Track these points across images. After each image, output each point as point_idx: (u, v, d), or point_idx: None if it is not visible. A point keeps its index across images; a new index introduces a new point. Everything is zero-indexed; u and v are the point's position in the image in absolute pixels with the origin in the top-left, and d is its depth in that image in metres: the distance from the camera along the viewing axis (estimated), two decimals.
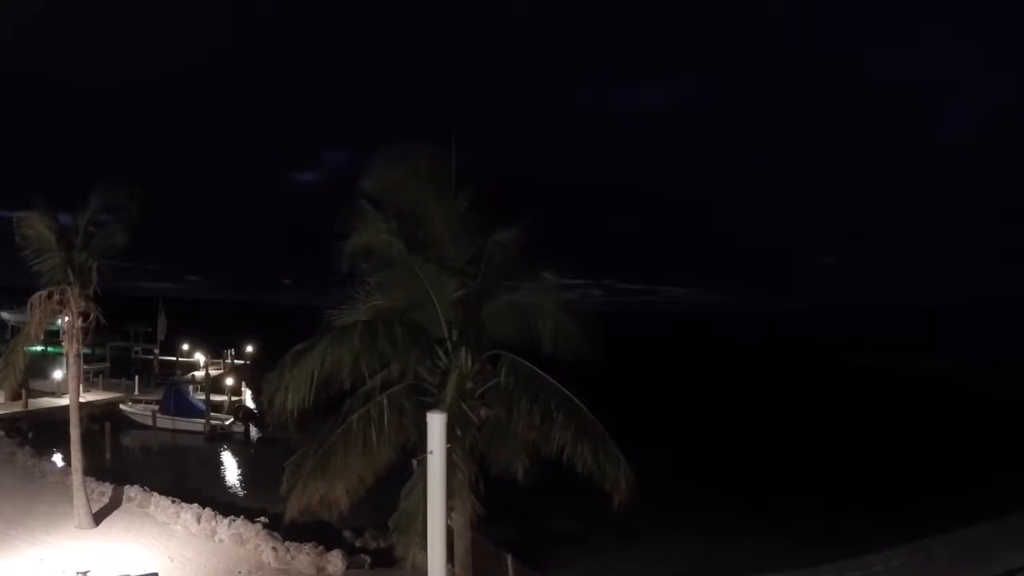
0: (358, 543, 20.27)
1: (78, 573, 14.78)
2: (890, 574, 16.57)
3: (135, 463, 34.90)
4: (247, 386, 51.03)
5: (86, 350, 20.32)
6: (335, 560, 17.26)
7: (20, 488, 22.94)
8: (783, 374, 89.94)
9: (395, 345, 9.35)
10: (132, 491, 21.59)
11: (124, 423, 42.08)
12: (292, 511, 9.49)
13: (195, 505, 20.22)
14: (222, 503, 22.58)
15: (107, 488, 22.03)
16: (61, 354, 30.75)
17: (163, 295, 68.61)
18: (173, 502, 20.52)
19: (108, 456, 34.07)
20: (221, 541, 18.45)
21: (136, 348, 67.63)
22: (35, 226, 18.05)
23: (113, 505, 21.05)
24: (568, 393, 9.95)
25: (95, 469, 24.42)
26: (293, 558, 17.30)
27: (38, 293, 17.92)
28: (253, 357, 66.23)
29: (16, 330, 43.73)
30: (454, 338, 10.08)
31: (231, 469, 36.53)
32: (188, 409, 42.10)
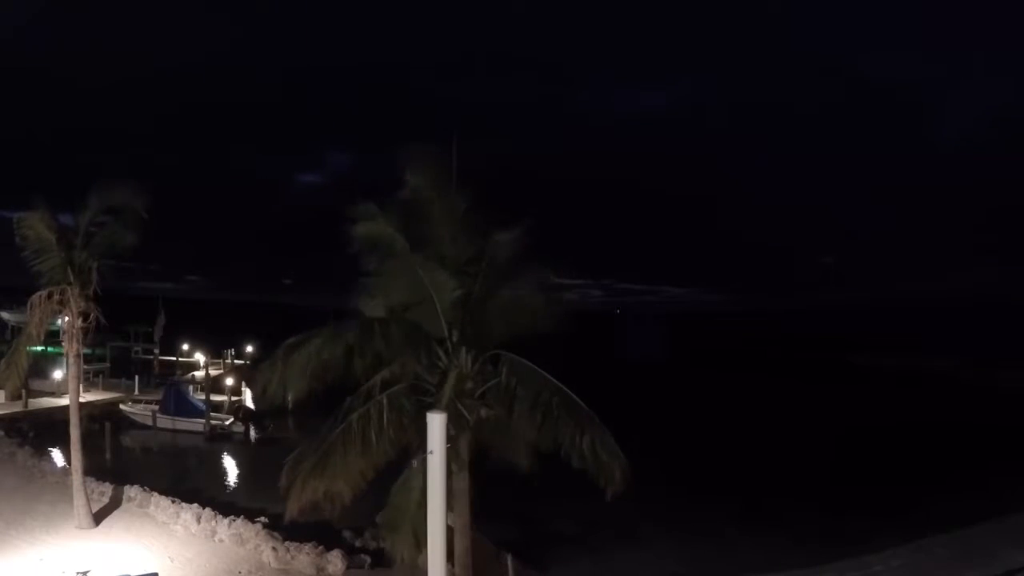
0: (358, 543, 20.25)
1: (78, 573, 14.78)
2: (890, 574, 16.58)
3: (135, 463, 34.87)
4: (247, 386, 51.00)
5: (86, 350, 20.32)
6: (335, 560, 17.26)
7: (20, 488, 22.94)
8: (783, 374, 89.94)
9: (392, 343, 9.37)
10: (132, 491, 21.59)
11: (124, 423, 42.03)
12: (292, 509, 9.50)
13: (195, 505, 20.22)
14: (222, 503, 22.57)
15: (107, 488, 22.04)
16: (61, 354, 30.76)
17: (163, 295, 68.69)
18: (173, 502, 20.53)
19: (108, 456, 34.05)
20: (221, 541, 18.45)
21: (136, 348, 67.65)
22: (35, 226, 18.06)
23: (113, 505, 21.06)
24: (569, 392, 9.96)
25: (95, 469, 24.41)
26: (293, 558, 17.29)
27: (38, 293, 17.93)
28: (253, 357, 66.21)
29: (16, 330, 43.85)
30: (454, 338, 10.10)
31: (231, 469, 36.52)
32: (188, 409, 42.07)
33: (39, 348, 24.05)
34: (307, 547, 17.52)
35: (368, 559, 18.32)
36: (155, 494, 21.29)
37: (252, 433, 42.76)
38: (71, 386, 19.82)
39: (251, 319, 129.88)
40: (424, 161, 10.12)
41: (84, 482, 19.34)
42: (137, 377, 50.02)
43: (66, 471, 23.40)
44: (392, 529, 8.77)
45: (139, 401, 44.70)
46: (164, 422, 41.39)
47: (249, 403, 48.06)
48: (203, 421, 41.00)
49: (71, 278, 18.20)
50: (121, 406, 43.97)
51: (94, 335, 20.43)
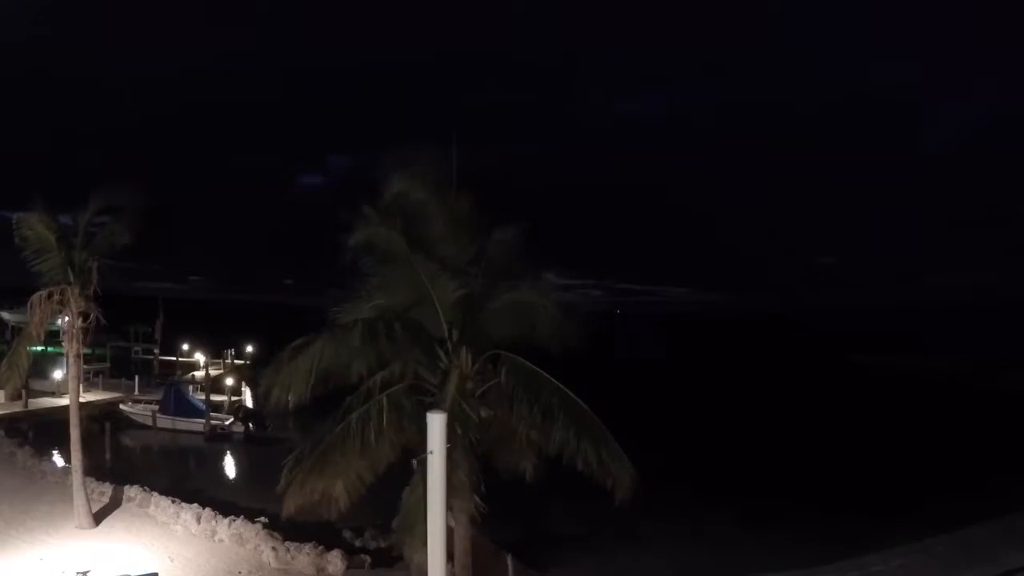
0: (358, 543, 20.27)
1: (78, 573, 14.78)
2: (890, 574, 16.58)
3: (135, 463, 34.89)
4: (247, 386, 51.04)
5: (86, 350, 20.29)
6: (335, 560, 17.26)
7: (20, 488, 22.94)
8: (783, 374, 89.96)
9: (395, 344, 9.36)
10: (132, 491, 21.60)
11: (124, 423, 42.12)
12: (288, 507, 9.50)
13: (195, 505, 20.23)
14: (222, 503, 22.54)
15: (107, 488, 22.04)
16: (61, 354, 30.76)
17: (164, 295, 68.71)
18: (173, 502, 20.53)
19: (108, 456, 34.11)
20: (221, 541, 18.45)
21: (136, 348, 67.71)
22: (35, 227, 18.07)
23: (113, 505, 21.06)
24: (569, 392, 9.95)
25: (95, 469, 24.42)
26: (293, 558, 17.30)
27: (38, 293, 17.94)
28: (253, 357, 66.24)
29: (16, 330, 43.87)
30: (454, 338, 10.10)
31: (231, 469, 36.54)
32: (188, 409, 42.07)
33: (39, 348, 24.07)
34: (307, 547, 17.52)
35: (368, 559, 18.34)
36: (155, 494, 21.29)
37: (252, 433, 42.75)
38: (71, 386, 19.83)
39: (251, 319, 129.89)
40: (417, 161, 10.11)
41: (84, 482, 19.35)
42: (137, 377, 50.05)
43: (66, 471, 23.39)
44: (407, 532, 8.73)
45: (139, 401, 44.72)
46: (164, 422, 41.39)
47: (249, 403, 48.11)
48: (203, 421, 41.00)
49: (71, 278, 18.22)
50: (121, 406, 44.01)
51: (94, 335, 20.43)
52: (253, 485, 29.88)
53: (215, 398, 46.21)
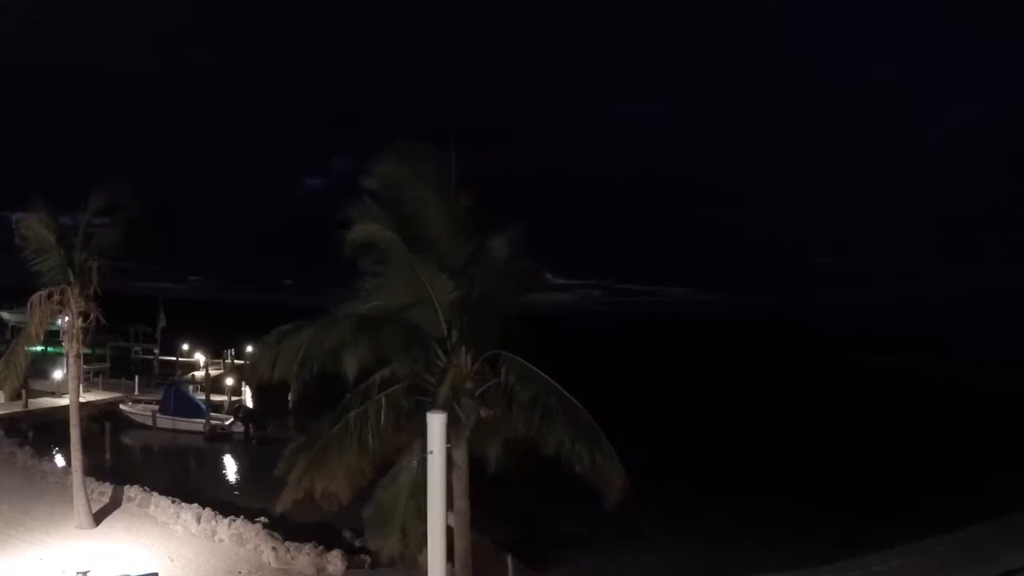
0: (358, 543, 20.22)
1: (78, 573, 14.78)
2: (890, 574, 16.59)
3: (135, 463, 34.93)
4: (247, 386, 51.01)
5: (86, 350, 20.30)
6: (335, 560, 17.25)
7: (20, 488, 22.94)
8: (783, 373, 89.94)
9: (388, 341, 9.34)
10: (132, 491, 21.60)
11: (124, 423, 42.07)
12: (285, 501, 9.50)
13: (195, 505, 20.22)
14: (222, 503, 22.55)
15: (107, 488, 22.04)
16: (61, 354, 30.77)
17: (164, 295, 68.69)
18: (173, 502, 20.52)
19: (108, 456, 34.08)
20: (221, 541, 18.45)
21: (136, 348, 67.69)
22: (35, 227, 18.08)
23: (113, 505, 21.06)
24: (567, 393, 9.94)
25: (95, 469, 24.40)
26: (293, 558, 17.29)
27: (38, 293, 17.94)
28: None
29: (16, 330, 43.84)
30: (453, 338, 10.08)
31: (231, 469, 36.53)
32: (188, 409, 42.06)
33: (39, 348, 24.09)
34: (307, 547, 17.52)
35: (368, 559, 18.31)
36: (155, 494, 21.28)
37: (252, 433, 42.74)
38: (71, 386, 19.83)
39: (251, 319, 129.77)
40: (424, 160, 10.07)
41: (84, 482, 19.35)
42: (137, 377, 50.06)
43: (66, 471, 23.40)
44: (377, 526, 8.74)
45: (139, 401, 44.72)
46: (164, 422, 41.39)
47: (249, 403, 48.10)
48: (203, 421, 41.00)
49: (71, 278, 18.22)
50: (121, 406, 44.00)
51: (94, 335, 20.44)
52: (253, 485, 29.90)
53: (215, 398, 46.21)
